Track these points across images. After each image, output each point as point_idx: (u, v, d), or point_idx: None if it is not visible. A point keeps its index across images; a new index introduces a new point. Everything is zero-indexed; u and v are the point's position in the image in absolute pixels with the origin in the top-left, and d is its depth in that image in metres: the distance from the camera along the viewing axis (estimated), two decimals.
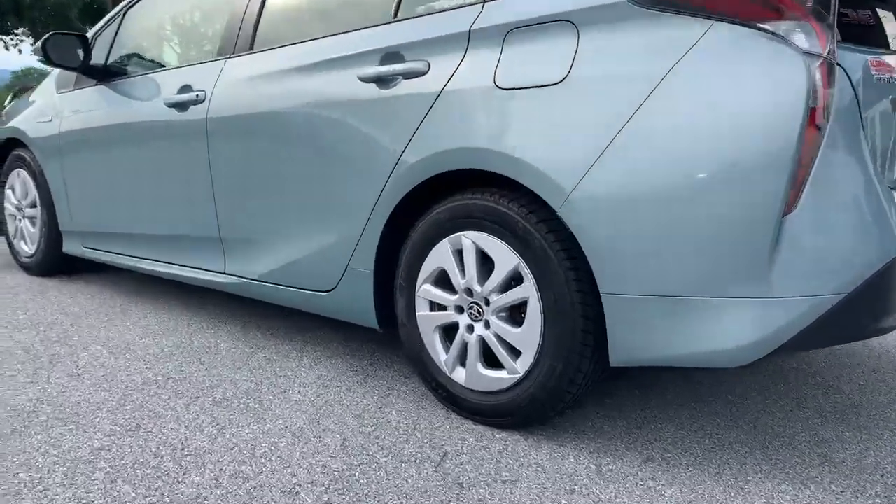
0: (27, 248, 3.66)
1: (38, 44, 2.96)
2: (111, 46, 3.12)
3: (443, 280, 1.98)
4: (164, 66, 2.95)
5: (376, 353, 2.51)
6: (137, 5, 3.12)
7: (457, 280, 1.92)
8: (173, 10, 3.15)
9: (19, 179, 3.62)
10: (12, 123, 3.61)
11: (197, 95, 2.55)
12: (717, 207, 1.52)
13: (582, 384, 1.78)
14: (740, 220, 1.51)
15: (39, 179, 3.45)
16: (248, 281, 2.52)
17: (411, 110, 1.95)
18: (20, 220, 3.69)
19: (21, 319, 2.88)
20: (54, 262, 3.57)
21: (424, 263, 2.00)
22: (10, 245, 3.82)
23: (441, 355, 2.00)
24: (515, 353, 1.85)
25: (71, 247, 3.41)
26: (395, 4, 2.09)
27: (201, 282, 2.73)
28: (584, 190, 1.63)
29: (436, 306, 2.00)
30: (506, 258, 1.81)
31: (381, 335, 2.68)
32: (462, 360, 1.97)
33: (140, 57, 3.13)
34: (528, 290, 1.78)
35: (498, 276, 1.83)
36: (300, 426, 1.92)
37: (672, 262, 1.57)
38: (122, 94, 2.96)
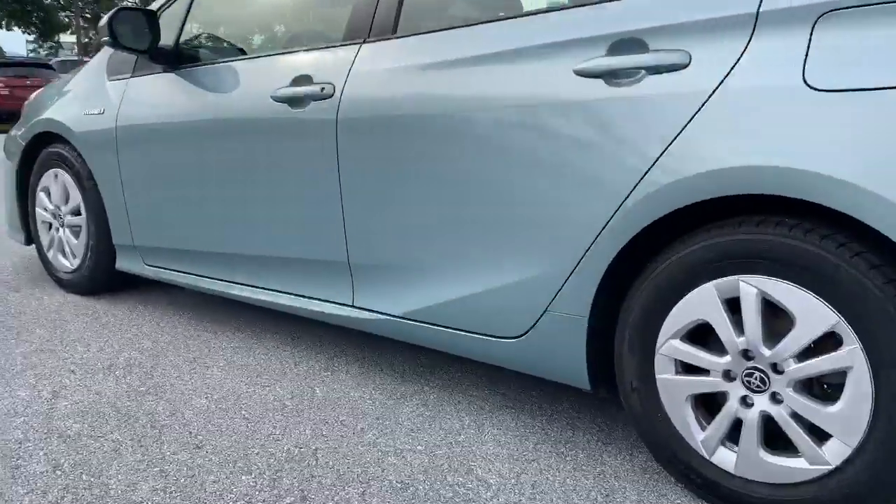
0: (67, 262, 3.12)
1: (104, 21, 2.43)
2: (182, 26, 2.59)
3: (701, 335, 1.54)
4: (258, 52, 2.44)
5: (544, 407, 2.07)
6: None
7: (729, 338, 1.48)
8: None
9: (56, 181, 3.07)
10: (47, 115, 3.05)
11: (322, 89, 2.06)
12: None
13: None
14: None
15: (85, 182, 2.91)
16: (389, 318, 2.05)
17: (663, 115, 1.50)
18: (58, 229, 3.14)
19: (87, 359, 2.37)
20: (102, 280, 3.05)
21: (672, 313, 1.55)
22: (43, 257, 3.28)
23: (696, 433, 1.56)
24: (820, 436, 1.42)
25: (128, 263, 2.89)
26: None
27: (314, 314, 2.25)
28: None
29: (686, 368, 1.56)
30: (815, 314, 1.37)
31: (537, 380, 2.24)
32: (728, 439, 1.53)
33: (221, 40, 2.61)
34: (851, 357, 1.35)
35: (802, 337, 1.39)
36: None
37: None
38: (204, 85, 2.44)
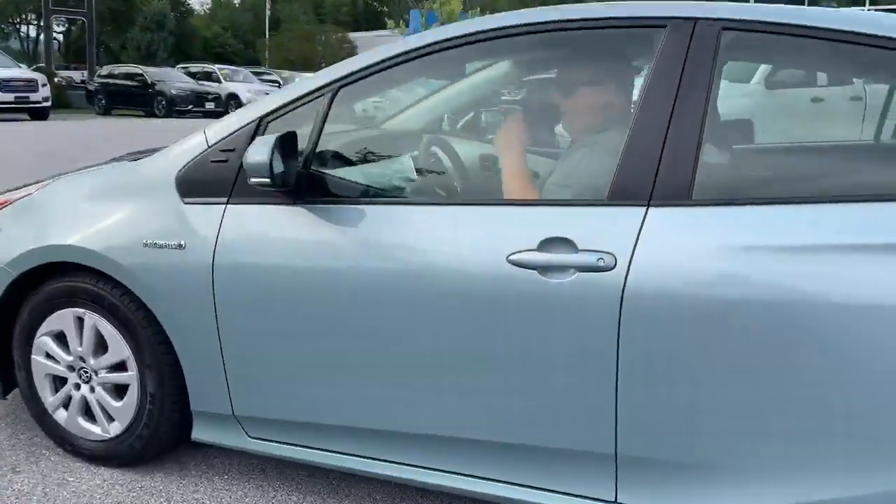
0: (97, 427, 2.37)
1: (262, 157, 1.82)
2: (316, 141, 2.05)
3: None
4: (450, 192, 2.01)
5: None
6: (362, 83, 2.07)
7: None
8: (453, 101, 2.16)
9: (82, 327, 2.32)
10: (63, 240, 2.27)
11: (599, 259, 1.73)
12: None
13: None
14: None
15: (141, 332, 2.23)
16: None
17: None
18: (78, 385, 2.38)
19: None
20: (157, 451, 2.37)
21: None
22: (40, 418, 2.48)
23: None
24: None
25: (214, 434, 2.25)
26: None
27: None
28: None
29: None
30: None
31: None
32: None
33: (379, 170, 2.11)
34: None
35: None
36: None
37: None
38: (370, 228, 1.96)
